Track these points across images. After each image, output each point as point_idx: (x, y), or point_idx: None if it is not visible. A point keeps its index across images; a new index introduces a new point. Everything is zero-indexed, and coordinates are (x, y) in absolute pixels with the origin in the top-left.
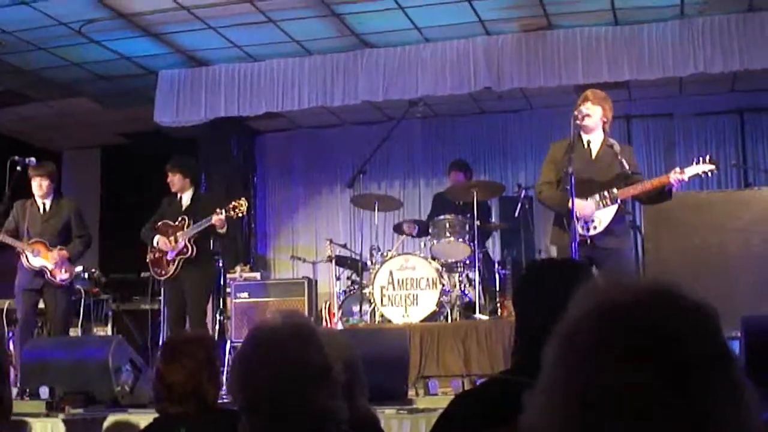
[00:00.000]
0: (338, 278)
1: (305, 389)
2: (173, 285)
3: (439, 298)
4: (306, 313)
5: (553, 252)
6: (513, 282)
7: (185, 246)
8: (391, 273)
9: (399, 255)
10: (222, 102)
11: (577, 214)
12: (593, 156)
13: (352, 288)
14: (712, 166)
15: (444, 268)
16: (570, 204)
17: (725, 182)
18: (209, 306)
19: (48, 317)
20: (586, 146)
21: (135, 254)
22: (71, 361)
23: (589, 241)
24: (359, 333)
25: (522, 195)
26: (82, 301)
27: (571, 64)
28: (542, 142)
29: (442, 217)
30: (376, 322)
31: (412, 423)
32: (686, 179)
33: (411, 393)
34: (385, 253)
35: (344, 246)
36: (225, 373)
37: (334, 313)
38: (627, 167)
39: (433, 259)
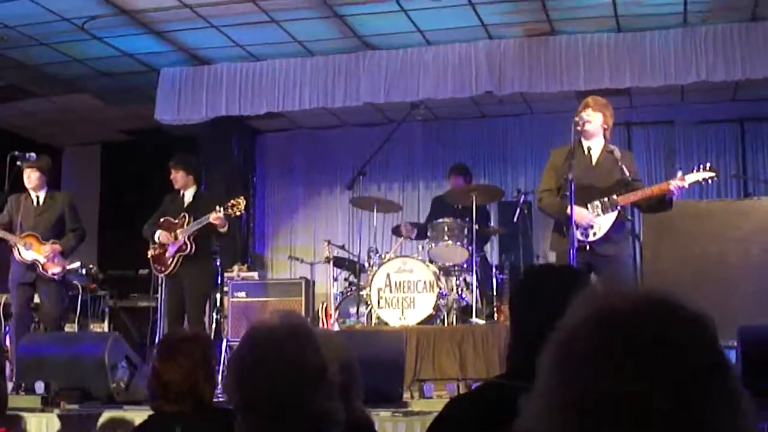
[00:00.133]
0: (336, 279)
1: (302, 390)
2: (173, 282)
3: (436, 302)
4: (303, 313)
5: (552, 258)
6: (510, 287)
7: (184, 243)
8: (388, 275)
9: (397, 257)
10: (223, 101)
11: (576, 222)
12: (593, 162)
13: (349, 289)
14: (713, 174)
15: (441, 272)
16: (569, 211)
17: (725, 192)
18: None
19: (41, 311)
20: (586, 152)
21: (133, 251)
22: (67, 356)
23: (588, 247)
24: (356, 335)
25: (521, 200)
26: (79, 297)
27: (572, 70)
28: (542, 147)
29: (440, 220)
30: (373, 324)
31: (407, 426)
32: (686, 186)
33: (406, 396)
34: (383, 256)
35: (342, 247)
36: (221, 372)
37: (330, 315)
38: (627, 174)
39: (431, 262)
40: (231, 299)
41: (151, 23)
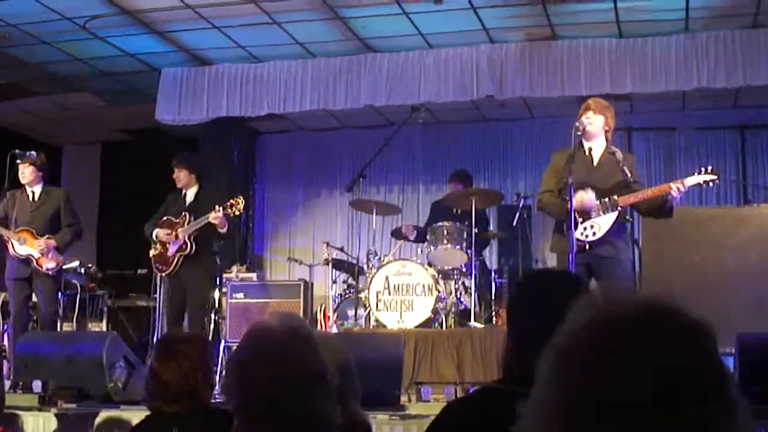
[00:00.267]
0: (334, 282)
1: (301, 392)
2: (174, 282)
3: (434, 305)
4: (301, 315)
5: (553, 259)
6: (509, 291)
7: (185, 242)
8: (387, 278)
9: (396, 260)
10: (224, 102)
11: (582, 205)
12: (595, 163)
13: (347, 292)
14: (714, 177)
15: (440, 275)
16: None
17: (724, 198)
18: None
19: (36, 306)
20: (587, 153)
21: (132, 250)
22: (65, 355)
23: (588, 248)
24: (354, 337)
25: (520, 204)
26: (78, 296)
27: (574, 75)
28: (543, 151)
29: (440, 224)
30: (371, 327)
31: (404, 429)
32: (687, 187)
33: (404, 399)
34: (381, 258)
35: (341, 249)
36: (219, 373)
37: (329, 317)
38: (629, 175)
39: (430, 265)
40: (229, 300)
41: (152, 23)
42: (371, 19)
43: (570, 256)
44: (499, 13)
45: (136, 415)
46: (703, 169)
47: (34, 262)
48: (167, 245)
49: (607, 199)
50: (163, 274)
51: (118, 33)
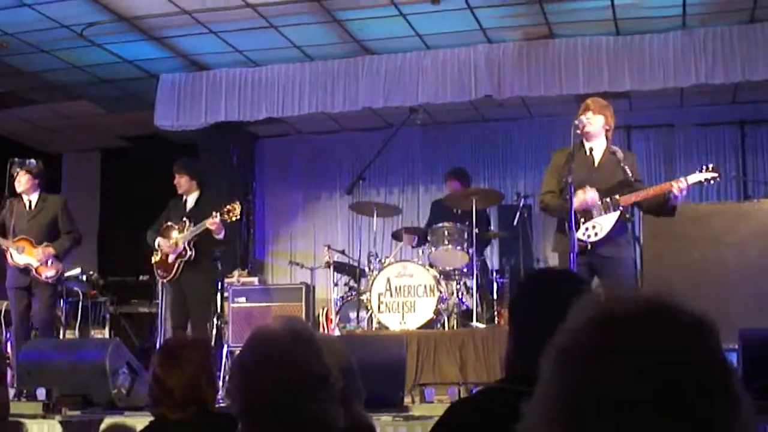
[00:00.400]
0: (336, 284)
1: (304, 395)
2: (175, 288)
3: (436, 306)
4: (303, 319)
5: (554, 259)
6: (511, 290)
7: (184, 249)
8: (388, 280)
9: (397, 262)
10: (222, 107)
11: (585, 202)
12: (596, 163)
13: (349, 294)
14: (715, 174)
15: (442, 276)
16: (573, 209)
17: (725, 194)
18: None
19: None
20: (588, 154)
21: (134, 257)
22: (68, 363)
23: (589, 247)
24: (356, 339)
25: (521, 204)
26: (80, 303)
27: (572, 74)
28: (542, 150)
29: (440, 224)
30: (373, 329)
31: (408, 430)
32: (689, 185)
33: (407, 400)
34: (383, 260)
35: (342, 252)
36: (222, 377)
37: (331, 319)
38: (630, 174)
39: (431, 266)
40: (231, 305)
41: (150, 29)
42: (368, 21)
43: (572, 255)
44: (496, 13)
45: (140, 421)
46: (704, 167)
47: (34, 270)
48: (168, 252)
49: (608, 199)
50: (165, 281)
51: (116, 40)
